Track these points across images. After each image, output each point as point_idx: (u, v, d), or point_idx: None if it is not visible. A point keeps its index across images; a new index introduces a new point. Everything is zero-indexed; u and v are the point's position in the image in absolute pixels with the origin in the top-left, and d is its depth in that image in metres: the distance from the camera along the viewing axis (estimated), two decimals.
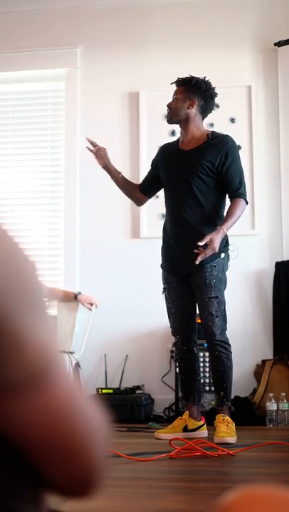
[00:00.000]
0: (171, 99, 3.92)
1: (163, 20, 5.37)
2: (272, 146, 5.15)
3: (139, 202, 4.17)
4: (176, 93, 3.89)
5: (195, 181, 3.75)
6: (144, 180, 4.12)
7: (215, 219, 3.75)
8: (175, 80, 3.93)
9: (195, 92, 3.83)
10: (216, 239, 3.56)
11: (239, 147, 5.13)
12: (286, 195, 5.07)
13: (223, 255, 3.77)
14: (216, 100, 3.91)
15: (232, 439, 3.49)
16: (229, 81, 5.16)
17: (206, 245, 3.55)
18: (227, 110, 5.15)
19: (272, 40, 5.16)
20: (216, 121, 5.08)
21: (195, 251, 3.55)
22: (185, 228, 3.72)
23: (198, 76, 3.88)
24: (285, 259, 4.97)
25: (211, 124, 5.11)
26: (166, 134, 5.08)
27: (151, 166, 4.08)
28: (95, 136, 5.34)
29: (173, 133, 5.08)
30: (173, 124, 3.97)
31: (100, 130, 5.37)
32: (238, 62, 5.26)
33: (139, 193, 4.09)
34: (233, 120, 5.18)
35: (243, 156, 5.12)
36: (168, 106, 3.90)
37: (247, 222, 5.03)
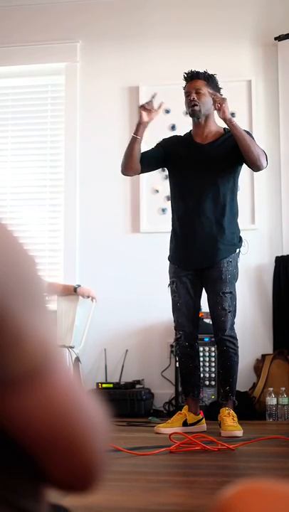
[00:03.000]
0: (186, 92, 3.81)
1: (163, 14, 5.35)
2: (272, 141, 5.13)
3: (130, 171, 3.85)
4: (198, 87, 3.76)
5: (217, 174, 3.74)
6: (144, 154, 3.83)
7: (232, 210, 3.78)
8: (189, 72, 3.82)
9: (215, 89, 3.81)
10: (227, 105, 3.62)
11: None
12: (286, 190, 5.07)
13: (237, 251, 3.80)
14: None
15: (240, 433, 3.53)
16: (229, 75, 5.13)
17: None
18: None
19: (273, 34, 5.15)
20: (216, 115, 5.06)
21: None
22: (206, 221, 3.71)
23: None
24: (285, 253, 4.97)
25: None
26: (166, 128, 5.07)
27: (158, 147, 3.90)
28: (94, 130, 5.38)
29: (173, 127, 5.07)
30: (196, 117, 3.81)
31: (100, 124, 5.37)
32: (238, 56, 5.25)
33: (138, 164, 3.82)
34: (233, 115, 5.14)
35: None
36: (194, 100, 3.75)
37: (247, 217, 5.02)
